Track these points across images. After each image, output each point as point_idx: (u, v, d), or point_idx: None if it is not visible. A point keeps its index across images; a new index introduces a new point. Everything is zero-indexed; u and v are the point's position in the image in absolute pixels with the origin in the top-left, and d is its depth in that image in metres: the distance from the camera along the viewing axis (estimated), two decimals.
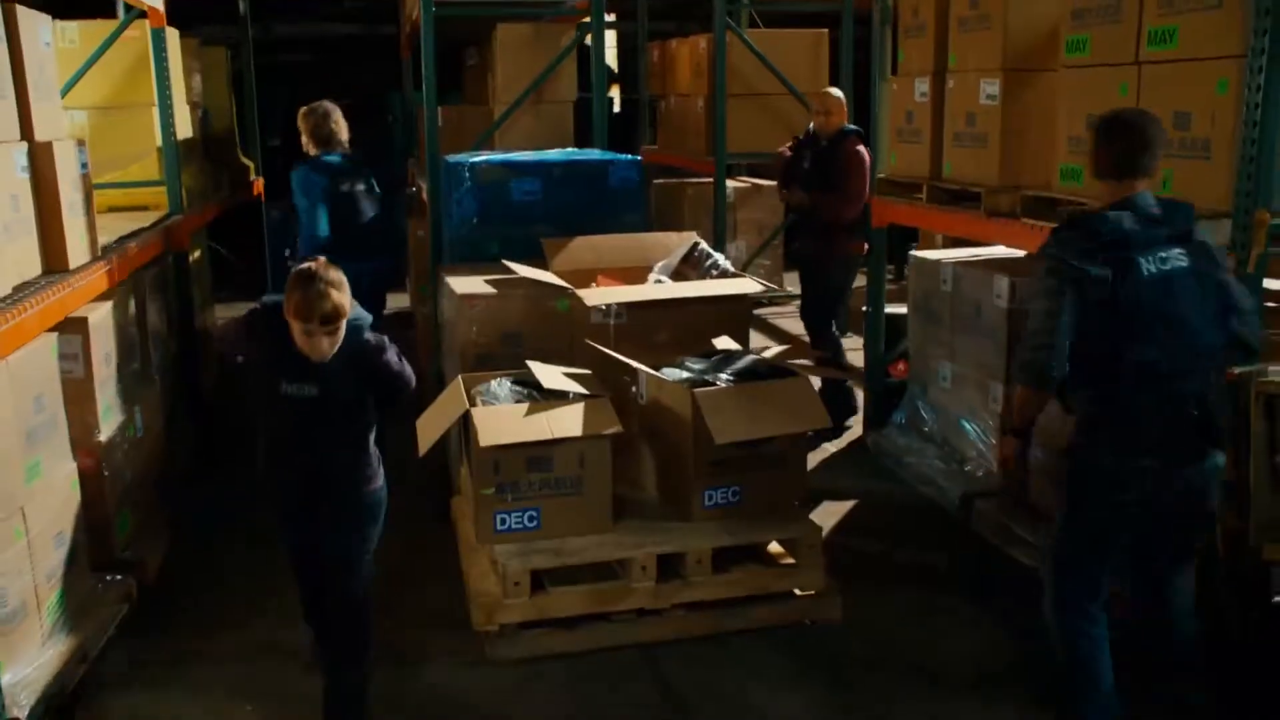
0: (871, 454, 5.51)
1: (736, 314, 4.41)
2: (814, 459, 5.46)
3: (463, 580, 3.83)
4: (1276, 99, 3.15)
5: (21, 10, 3.76)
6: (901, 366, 5.62)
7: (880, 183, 5.35)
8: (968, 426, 4.93)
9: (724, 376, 3.85)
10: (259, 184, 8.93)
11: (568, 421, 3.50)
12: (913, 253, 5.33)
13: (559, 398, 3.67)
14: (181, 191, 5.84)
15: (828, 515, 4.79)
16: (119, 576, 3.95)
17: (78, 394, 3.89)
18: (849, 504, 4.96)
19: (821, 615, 3.79)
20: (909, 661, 3.60)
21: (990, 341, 4.69)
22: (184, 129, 6.17)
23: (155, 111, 5.78)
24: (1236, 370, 3.14)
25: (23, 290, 3.54)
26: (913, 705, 3.37)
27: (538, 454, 3.53)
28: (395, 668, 3.53)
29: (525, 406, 3.57)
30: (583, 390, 3.67)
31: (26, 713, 3.09)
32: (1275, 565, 3.08)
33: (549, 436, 3.46)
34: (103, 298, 4.21)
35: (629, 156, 5.32)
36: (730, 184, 8.85)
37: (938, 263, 5.09)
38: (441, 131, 5.86)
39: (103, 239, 4.45)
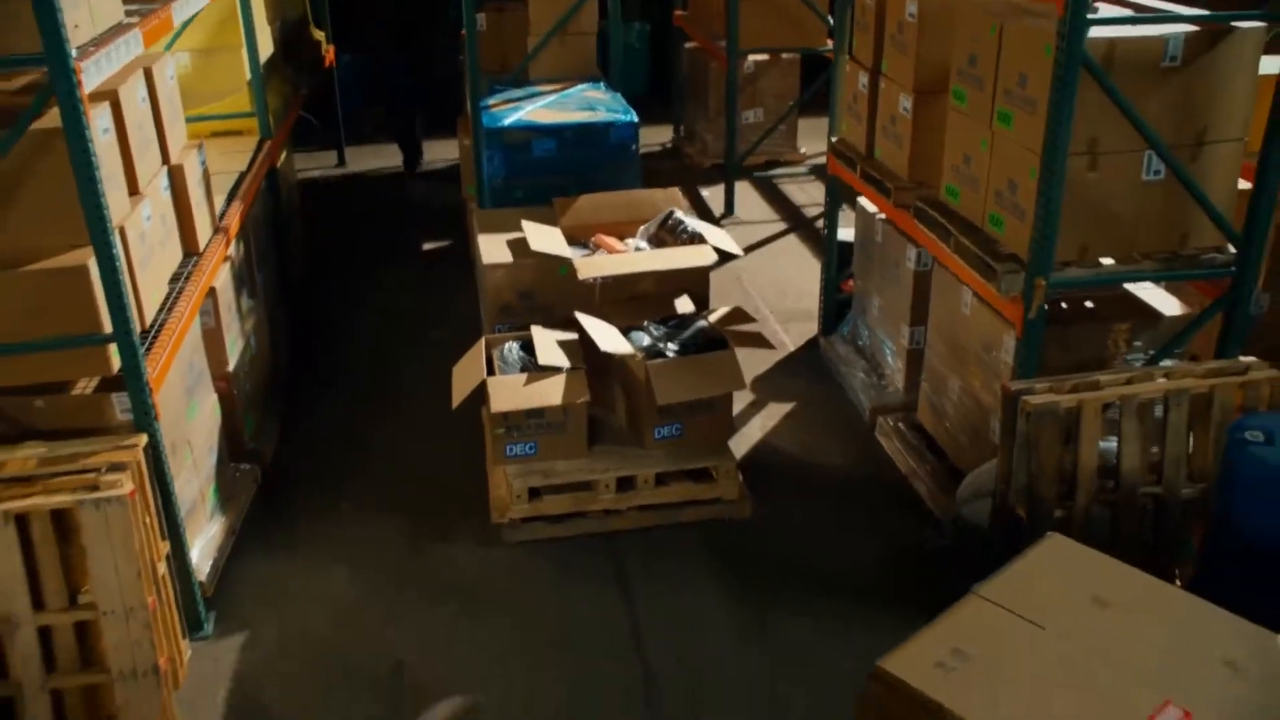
0: (821, 357, 6.92)
1: (698, 274, 5.78)
2: (774, 357, 6.90)
3: (487, 489, 5.44)
4: (1055, 196, 4.33)
5: (156, 65, 5.07)
6: (850, 284, 6.92)
7: (835, 144, 6.51)
8: (888, 350, 6.31)
9: (672, 346, 5.28)
10: (330, 53, 10.15)
11: (553, 392, 4.99)
12: (860, 201, 6.53)
13: (553, 366, 5.14)
14: (269, 117, 7.18)
15: (769, 417, 6.28)
16: (247, 466, 5.64)
17: (212, 340, 5.44)
18: (790, 405, 6.42)
19: (737, 515, 5.35)
20: (800, 560, 5.12)
21: (903, 293, 5.99)
22: (266, 51, 7.42)
23: (244, 53, 7.04)
24: (1013, 386, 4.49)
25: (174, 282, 5.03)
26: (794, 596, 4.87)
27: (533, 410, 5.05)
28: (434, 545, 5.20)
29: (525, 378, 5.07)
30: (566, 363, 5.13)
31: (205, 576, 4.82)
32: (1021, 520, 4.50)
33: (540, 405, 4.97)
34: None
35: (626, 119, 6.53)
36: (751, 57, 9.85)
37: (873, 216, 6.32)
38: (482, 35, 7.13)
39: (218, 169, 5.81)
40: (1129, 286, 5.25)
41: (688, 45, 10.70)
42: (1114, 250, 4.66)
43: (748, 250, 8.60)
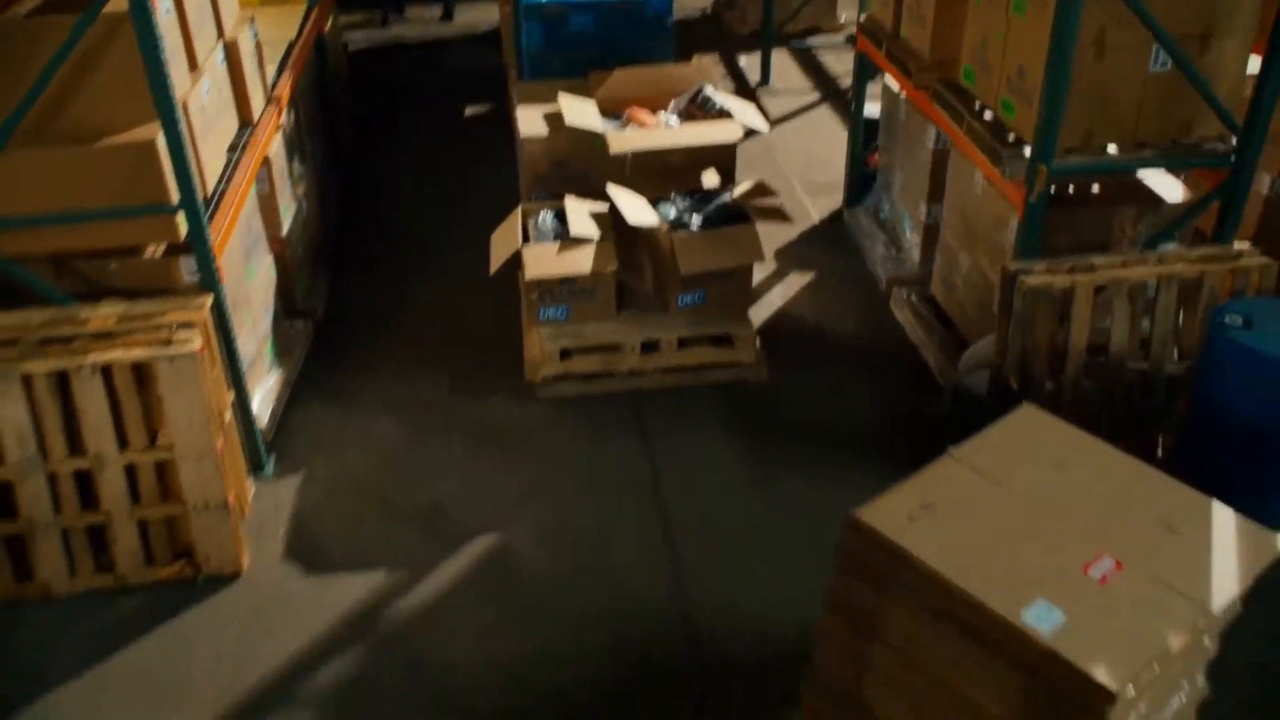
0: (844, 229, 7.20)
1: (724, 150, 6.05)
2: (798, 228, 7.19)
3: (522, 348, 5.85)
4: (1060, 86, 4.53)
5: None
6: (875, 158, 7.14)
7: (863, 21, 6.65)
8: (907, 225, 6.58)
9: (696, 219, 5.59)
10: None
11: (583, 261, 5.35)
12: (886, 78, 6.70)
13: (584, 237, 5.48)
14: None
15: (790, 286, 6.61)
16: (300, 322, 6.09)
17: (267, 206, 5.82)
18: (811, 275, 6.74)
19: (753, 378, 5.74)
20: (808, 419, 5.52)
21: (922, 171, 6.23)
22: None
23: None
24: (1012, 266, 4.79)
25: (231, 151, 5.38)
26: (799, 451, 5.28)
27: (565, 277, 5.42)
28: (472, 398, 5.65)
29: (557, 246, 5.42)
30: (596, 233, 5.47)
31: (265, 423, 5.31)
32: (1014, 391, 4.85)
33: (571, 273, 5.33)
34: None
35: None
36: None
37: (897, 96, 6.51)
38: None
39: (267, 39, 6.08)
40: (1140, 173, 5.46)
41: None
42: (1118, 138, 4.87)
43: (780, 121, 8.80)
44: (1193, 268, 4.80)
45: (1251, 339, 4.38)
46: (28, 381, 4.27)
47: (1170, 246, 5.17)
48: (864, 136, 7.11)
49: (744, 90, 9.42)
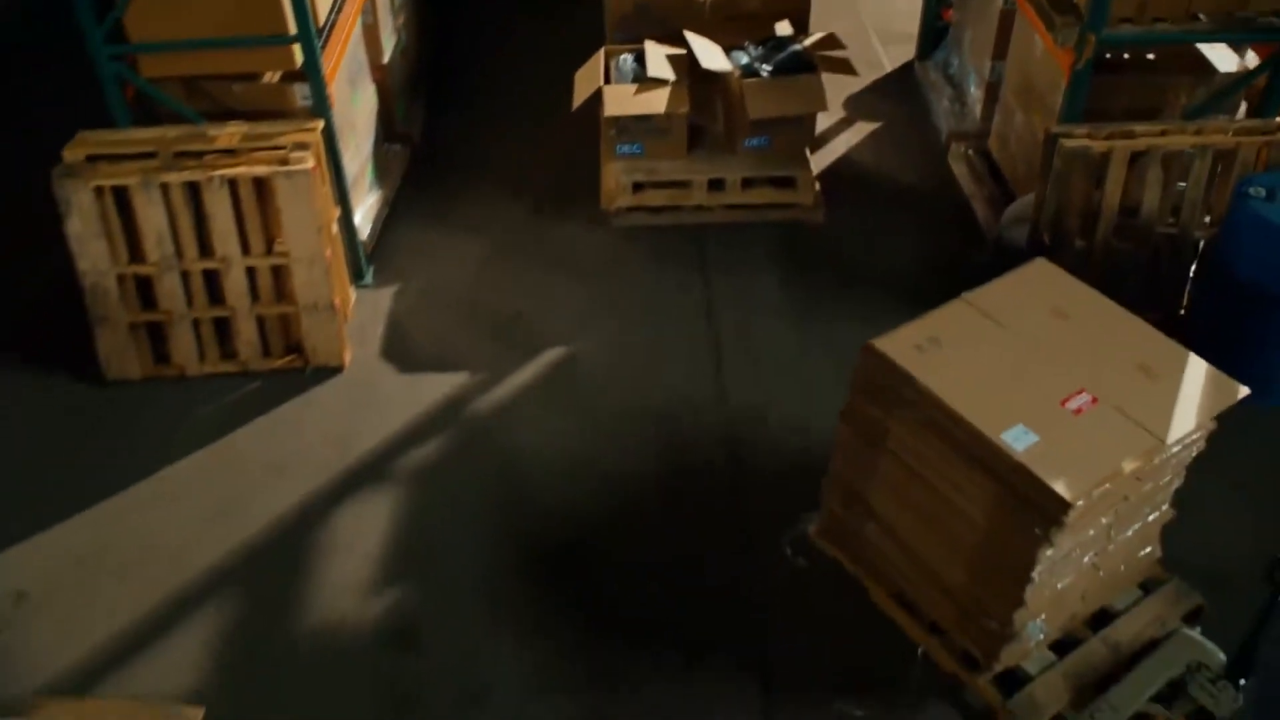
0: (914, 80, 7.46)
1: (798, 2, 6.35)
2: (870, 77, 7.46)
3: (599, 180, 6.34)
4: None
5: None
6: (949, 13, 7.34)
7: None
8: (971, 81, 6.85)
9: (766, 67, 5.96)
10: None
11: (658, 101, 5.78)
12: None
13: (661, 79, 5.89)
14: None
15: (855, 134, 6.97)
16: (398, 146, 6.64)
17: (370, 36, 6.29)
18: (876, 124, 7.08)
19: (810, 219, 6.19)
20: (856, 260, 5.97)
21: (990, 29, 6.45)
22: None
23: None
24: (1055, 129, 5.13)
25: None
26: (842, 288, 5.74)
27: (641, 115, 5.87)
28: (552, 222, 6.20)
29: (635, 87, 5.85)
30: (672, 76, 5.88)
31: (366, 236, 5.92)
32: (1047, 245, 5.25)
33: (647, 112, 5.78)
34: None
35: None
36: None
37: None
38: None
39: None
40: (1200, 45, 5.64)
41: None
42: (1172, 9, 5.10)
43: None
44: (1229, 139, 5.09)
45: (1270, 210, 4.71)
46: (165, 190, 4.90)
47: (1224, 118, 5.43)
48: None
49: None
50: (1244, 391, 3.68)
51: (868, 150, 6.84)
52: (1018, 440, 3.47)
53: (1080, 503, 3.35)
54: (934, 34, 7.42)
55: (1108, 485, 3.43)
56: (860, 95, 7.31)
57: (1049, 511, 3.40)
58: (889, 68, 7.64)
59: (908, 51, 7.68)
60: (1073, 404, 3.60)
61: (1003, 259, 5.67)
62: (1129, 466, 3.45)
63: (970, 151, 6.54)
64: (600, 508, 4.66)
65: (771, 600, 4.31)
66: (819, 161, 6.58)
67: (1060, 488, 3.34)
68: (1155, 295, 5.31)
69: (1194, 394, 3.67)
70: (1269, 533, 4.45)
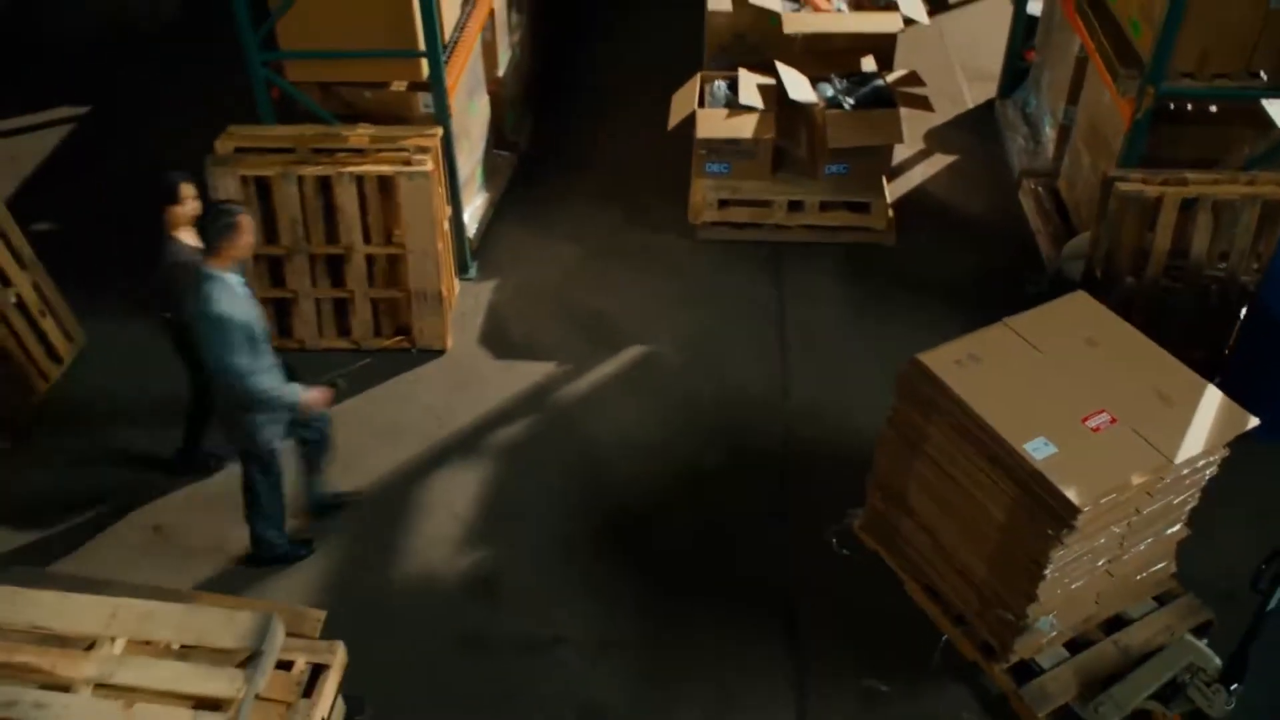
0: (993, 117, 7.85)
1: (884, 38, 6.80)
2: (952, 111, 7.87)
3: (688, 194, 6.86)
4: (1175, 16, 5.15)
5: None
6: (1031, 54, 7.71)
7: None
8: (1046, 121, 7.22)
9: (849, 99, 6.42)
10: None
11: (746, 127, 6.28)
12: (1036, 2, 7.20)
13: (750, 106, 6.40)
14: None
15: (933, 165, 7.38)
16: (506, 153, 7.24)
17: (488, 51, 6.88)
18: (953, 158, 7.48)
19: (882, 242, 6.63)
20: (922, 281, 6.38)
21: (1066, 73, 6.82)
22: None
23: None
24: (1112, 173, 5.51)
25: (465, 4, 6.43)
26: (906, 304, 6.19)
27: (730, 139, 6.38)
28: (642, 231, 6.73)
29: (727, 112, 6.36)
30: (761, 104, 6.38)
31: (472, 234, 6.51)
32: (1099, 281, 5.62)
33: (735, 136, 6.28)
34: None
35: None
36: None
37: (1053, 11, 7.05)
38: None
39: None
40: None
41: None
42: (1232, 65, 5.44)
43: (957, 6, 9.32)
44: (1278, 190, 5.42)
45: None
46: (301, 182, 5.54)
47: None
48: (1024, 33, 7.66)
49: None
50: (1253, 421, 4.05)
51: (943, 181, 7.25)
52: (1038, 450, 3.90)
53: (1088, 509, 3.77)
54: (1016, 74, 7.80)
55: (1115, 496, 3.84)
56: (941, 129, 7.72)
57: (1061, 515, 3.82)
58: (971, 104, 8.03)
59: (990, 89, 8.06)
60: (1093, 422, 4.01)
61: (1059, 291, 6.05)
62: (1137, 480, 3.85)
63: (1040, 189, 6.91)
64: (667, 487, 5.18)
65: (814, 583, 4.78)
66: (896, 189, 7.02)
67: (1071, 494, 3.76)
68: (1202, 334, 5.65)
69: (1206, 421, 4.05)
70: None
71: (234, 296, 4.19)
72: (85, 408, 5.61)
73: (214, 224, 4.18)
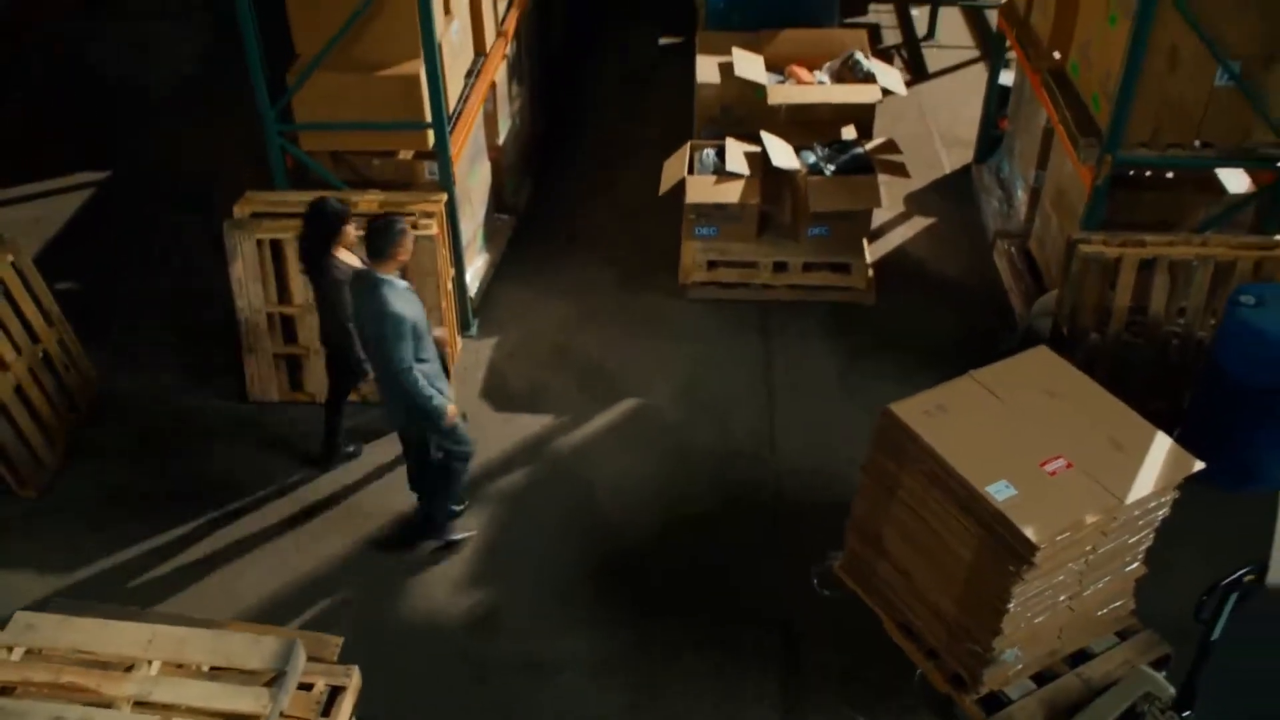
0: (969, 182, 8.26)
1: (863, 108, 7.22)
2: (930, 175, 8.29)
3: (678, 256, 7.23)
4: (1129, 93, 5.57)
5: None
6: (1004, 123, 8.14)
7: (1004, 5, 7.63)
8: (1019, 186, 7.63)
9: (830, 166, 6.82)
10: None
11: (733, 193, 6.67)
12: (1010, 73, 7.66)
13: (737, 173, 6.79)
14: None
15: (912, 228, 7.78)
16: (506, 216, 7.62)
17: (489, 121, 7.30)
18: (931, 220, 7.88)
19: (863, 301, 7.00)
20: (899, 337, 6.74)
21: (1035, 141, 7.24)
22: None
23: None
24: (1075, 235, 5.89)
25: (467, 77, 6.83)
26: (884, 358, 6.53)
27: (718, 204, 6.76)
28: (635, 290, 7.09)
29: (714, 178, 6.76)
30: (747, 171, 6.78)
31: (474, 293, 6.88)
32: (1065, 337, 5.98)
33: (722, 201, 6.67)
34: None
35: None
36: None
37: (1024, 82, 7.50)
38: None
39: None
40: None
41: None
42: (1183, 137, 5.84)
43: (936, 75, 9.79)
44: (1230, 252, 5.79)
45: (1258, 316, 5.40)
46: None
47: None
48: (997, 103, 8.10)
49: (911, 42, 10.40)
50: (1198, 465, 4.39)
51: (921, 243, 7.64)
52: (1000, 492, 4.22)
53: (1045, 547, 4.08)
54: (990, 141, 8.22)
55: (1070, 534, 4.16)
56: (920, 193, 8.12)
57: (1021, 552, 4.13)
58: (948, 169, 8.44)
59: (966, 155, 8.49)
60: (1050, 466, 4.34)
61: (1028, 345, 6.42)
62: (1090, 520, 4.18)
63: (1013, 249, 7.29)
64: (661, 531, 5.49)
65: (798, 620, 5.07)
66: (876, 250, 7.40)
67: (1030, 533, 4.08)
68: (1163, 386, 6.00)
69: (1155, 465, 4.38)
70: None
71: (404, 297, 4.76)
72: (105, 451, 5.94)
73: (384, 233, 4.72)
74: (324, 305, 5.39)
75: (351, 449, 5.97)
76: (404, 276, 4.95)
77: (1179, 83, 5.68)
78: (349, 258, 5.31)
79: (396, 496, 5.64)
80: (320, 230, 5.26)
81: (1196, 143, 5.89)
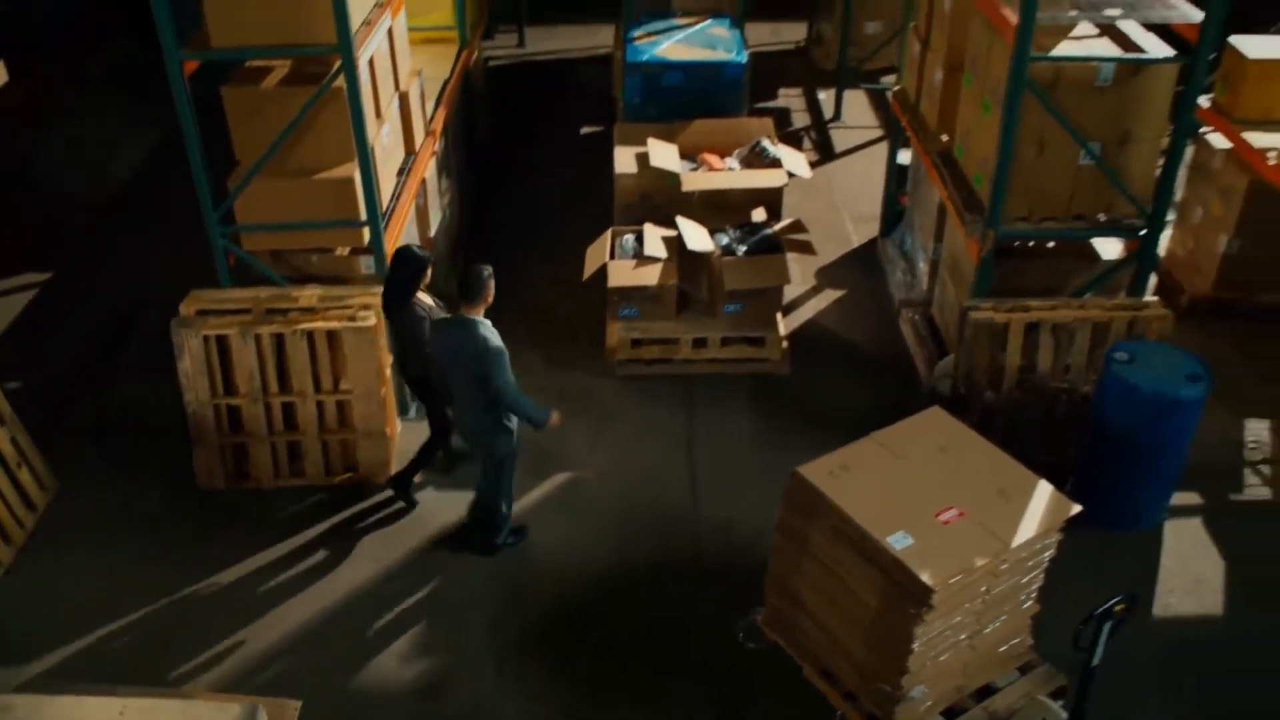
0: (876, 255, 8.83)
1: (771, 192, 7.76)
2: (840, 250, 8.85)
3: (604, 335, 7.66)
4: (1004, 175, 6.15)
5: (395, 23, 7.20)
6: (905, 199, 8.75)
7: (897, 91, 8.27)
8: (920, 257, 8.20)
9: (741, 247, 7.33)
10: None
11: (652, 275, 7.14)
12: (907, 153, 8.29)
13: (655, 256, 7.27)
14: (466, 29, 9.29)
15: (822, 300, 8.30)
16: (441, 302, 8.00)
17: (421, 215, 7.71)
18: (841, 292, 8.41)
19: (778, 371, 7.47)
20: (814, 403, 7.21)
21: (931, 216, 7.83)
22: None
23: None
24: (966, 303, 6.41)
25: (399, 175, 7.26)
26: (801, 425, 7.00)
27: (638, 286, 7.22)
28: (563, 369, 7.49)
29: (635, 262, 7.22)
30: (664, 255, 7.26)
31: None
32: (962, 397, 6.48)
33: (642, 283, 7.13)
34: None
35: (737, 60, 8.39)
36: None
37: (918, 162, 8.11)
38: None
39: (426, 75, 7.99)
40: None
41: None
42: (1055, 211, 6.42)
43: (844, 154, 10.44)
44: (1105, 313, 6.35)
45: (1129, 372, 5.94)
46: (258, 339, 6.24)
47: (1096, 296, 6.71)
48: (898, 180, 8.71)
49: (819, 124, 11.06)
50: (1076, 509, 4.86)
51: (832, 314, 8.16)
52: (898, 542, 4.65)
53: (940, 590, 4.51)
54: (893, 215, 8.81)
55: (963, 577, 4.59)
56: (830, 266, 8.67)
57: (919, 596, 4.55)
58: (856, 243, 9.01)
59: (873, 229, 9.07)
60: (944, 516, 4.78)
61: (933, 404, 6.92)
62: (980, 563, 4.61)
63: (916, 317, 7.83)
64: (593, 594, 5.84)
65: (728, 673, 5.43)
66: (790, 323, 7.90)
67: (926, 578, 4.50)
68: (1053, 439, 6.51)
69: (1038, 511, 4.84)
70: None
71: (495, 333, 5.56)
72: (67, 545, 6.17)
73: (475, 281, 5.52)
74: (407, 342, 6.09)
75: (414, 498, 6.45)
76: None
77: (1048, 164, 6.27)
78: (426, 299, 6.12)
79: (356, 572, 5.93)
80: (405, 276, 6.00)
81: (1069, 216, 6.47)
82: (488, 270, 5.57)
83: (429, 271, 6.08)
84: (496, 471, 5.88)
